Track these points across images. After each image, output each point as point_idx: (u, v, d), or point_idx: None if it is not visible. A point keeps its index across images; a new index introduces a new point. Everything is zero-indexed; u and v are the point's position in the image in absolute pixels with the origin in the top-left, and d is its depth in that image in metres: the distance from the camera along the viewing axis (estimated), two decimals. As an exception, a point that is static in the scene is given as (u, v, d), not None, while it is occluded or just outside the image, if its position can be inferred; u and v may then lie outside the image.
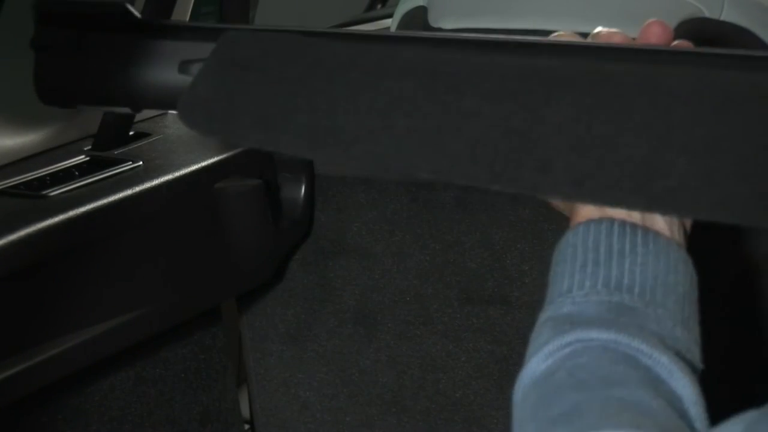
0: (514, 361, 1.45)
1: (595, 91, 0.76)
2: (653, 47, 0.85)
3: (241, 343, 1.60)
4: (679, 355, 0.72)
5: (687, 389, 0.70)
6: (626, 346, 0.70)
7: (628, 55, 0.82)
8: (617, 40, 0.86)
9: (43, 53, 1.12)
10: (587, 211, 0.80)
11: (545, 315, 0.76)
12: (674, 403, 0.68)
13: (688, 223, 0.81)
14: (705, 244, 0.85)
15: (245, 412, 1.71)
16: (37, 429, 1.34)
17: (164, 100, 1.09)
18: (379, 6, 2.69)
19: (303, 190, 1.43)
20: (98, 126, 1.35)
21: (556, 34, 0.89)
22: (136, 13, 1.06)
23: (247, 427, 1.72)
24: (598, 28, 0.87)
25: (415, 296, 1.48)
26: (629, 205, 0.69)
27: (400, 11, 1.48)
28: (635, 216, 0.77)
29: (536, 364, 0.72)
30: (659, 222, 0.78)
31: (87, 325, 1.22)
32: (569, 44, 0.86)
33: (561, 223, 1.40)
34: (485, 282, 1.44)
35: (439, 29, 1.33)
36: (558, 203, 0.88)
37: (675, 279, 0.75)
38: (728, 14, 1.35)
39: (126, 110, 1.16)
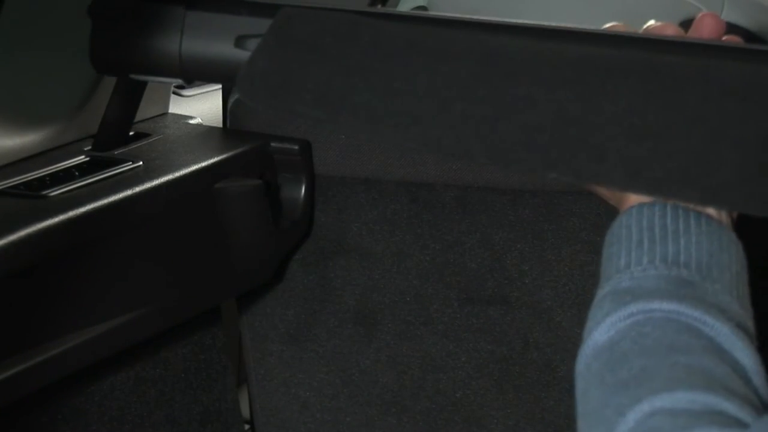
0: (514, 361, 1.45)
1: (650, 83, 0.76)
2: (706, 41, 0.85)
3: (241, 343, 1.60)
4: (740, 327, 0.73)
5: (749, 359, 0.71)
6: (688, 317, 0.72)
7: (681, 48, 0.82)
8: (670, 32, 0.87)
9: (100, 20, 1.14)
10: (638, 197, 0.80)
11: (603, 291, 0.78)
12: (738, 371, 0.70)
13: (735, 212, 0.82)
14: None
15: (245, 412, 1.71)
16: (37, 429, 1.34)
17: (217, 73, 1.14)
18: (379, 6, 2.68)
19: (303, 190, 1.43)
20: (98, 126, 1.35)
21: (609, 24, 0.88)
22: None
23: (247, 427, 1.72)
24: (651, 21, 0.88)
25: (415, 296, 1.47)
26: (683, 198, 0.71)
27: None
28: None
29: (599, 335, 0.74)
30: (709, 207, 0.79)
31: (87, 325, 1.22)
32: (624, 35, 0.86)
33: (561, 223, 1.41)
34: (485, 282, 1.44)
35: (439, 29, 1.33)
36: (604, 191, 0.88)
37: (729, 258, 0.77)
38: (728, 14, 1.35)
39: (177, 81, 1.17)
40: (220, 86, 1.49)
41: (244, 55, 0.99)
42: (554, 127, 0.75)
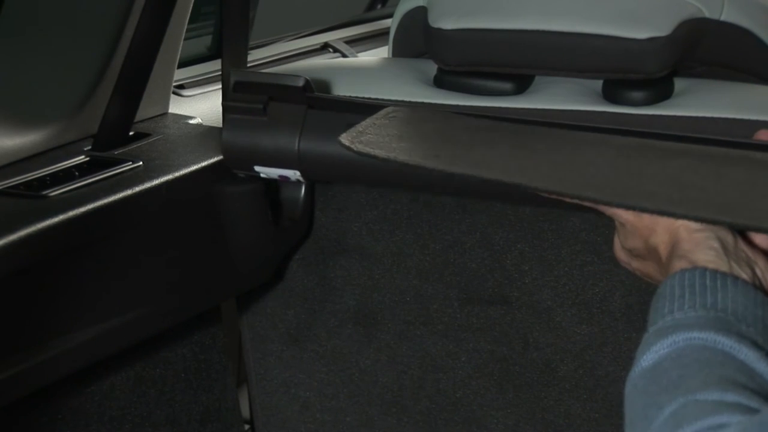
0: (514, 361, 1.45)
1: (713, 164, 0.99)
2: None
3: (241, 343, 1.60)
4: None
5: None
6: (724, 345, 0.81)
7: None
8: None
9: (233, 114, 1.30)
10: (680, 263, 0.90)
11: (648, 333, 0.86)
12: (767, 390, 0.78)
13: (766, 282, 0.93)
14: None
15: (245, 412, 1.71)
16: (37, 429, 1.34)
17: (331, 168, 1.31)
18: (379, 6, 2.69)
19: (303, 190, 1.43)
20: (98, 126, 1.35)
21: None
22: (313, 89, 1.27)
23: (247, 427, 1.72)
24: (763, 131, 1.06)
25: (415, 296, 1.48)
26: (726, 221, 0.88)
27: (400, 11, 1.48)
28: (723, 267, 0.88)
29: (644, 361, 0.83)
30: (744, 273, 0.89)
31: (87, 325, 1.22)
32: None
33: (561, 223, 1.41)
34: (485, 282, 1.44)
35: (439, 29, 1.33)
36: (653, 273, 0.99)
37: (763, 313, 0.86)
38: (728, 14, 1.35)
39: (297, 176, 1.32)
40: (220, 86, 1.49)
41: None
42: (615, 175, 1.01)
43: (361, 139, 1.06)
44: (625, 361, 1.40)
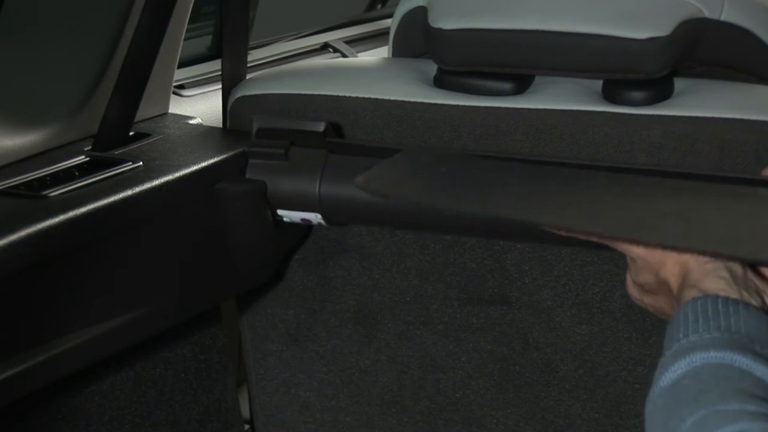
0: (514, 361, 1.45)
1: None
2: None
3: (241, 343, 1.60)
4: None
5: None
6: (741, 363, 0.84)
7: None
8: None
9: (255, 159, 1.34)
10: (691, 293, 0.92)
11: (664, 357, 0.88)
12: None
13: None
14: None
15: (245, 412, 1.71)
16: (37, 429, 1.34)
17: (351, 210, 1.35)
18: (379, 6, 2.69)
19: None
20: (98, 126, 1.35)
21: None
22: (332, 135, 1.32)
23: (247, 427, 1.72)
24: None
25: (415, 296, 1.47)
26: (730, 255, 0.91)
27: (400, 11, 1.48)
28: (734, 294, 0.90)
29: (663, 381, 0.86)
30: (754, 301, 0.91)
31: (87, 325, 1.22)
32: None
33: (561, 223, 1.40)
34: (485, 282, 1.44)
35: (439, 29, 1.33)
36: (665, 308, 1.01)
37: None
38: (728, 14, 1.35)
39: (319, 219, 1.37)
40: (220, 86, 1.49)
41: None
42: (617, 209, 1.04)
43: (376, 179, 1.10)
44: (625, 361, 1.40)
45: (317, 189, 1.33)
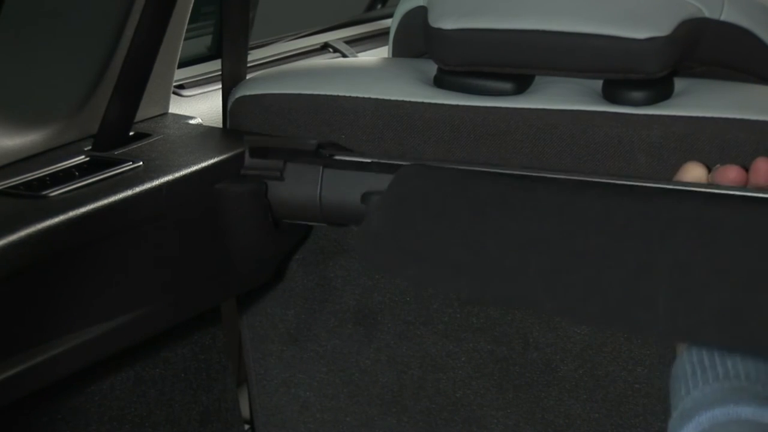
0: (514, 361, 1.45)
1: (703, 236, 0.92)
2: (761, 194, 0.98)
3: (241, 343, 1.60)
4: None
5: None
6: (746, 413, 0.85)
7: (736, 201, 0.96)
8: (733, 175, 0.99)
9: (253, 178, 1.35)
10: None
11: (672, 418, 0.90)
12: None
13: None
14: None
15: (245, 412, 1.71)
16: (37, 429, 1.34)
17: (352, 220, 1.35)
18: (379, 6, 2.69)
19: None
20: (98, 126, 1.35)
21: (683, 168, 1.01)
22: (326, 151, 1.33)
23: (247, 427, 1.72)
24: (718, 166, 1.01)
25: (415, 296, 1.47)
26: (717, 345, 0.89)
27: (400, 11, 1.48)
28: None
29: None
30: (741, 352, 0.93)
31: (87, 325, 1.22)
32: (683, 190, 1.00)
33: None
34: (485, 282, 1.44)
35: (439, 29, 1.33)
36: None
37: None
38: (728, 14, 1.35)
39: (322, 225, 1.38)
40: (220, 86, 1.49)
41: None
42: (612, 280, 0.92)
43: (379, 252, 1.10)
44: (625, 361, 1.40)
45: (318, 200, 1.34)
